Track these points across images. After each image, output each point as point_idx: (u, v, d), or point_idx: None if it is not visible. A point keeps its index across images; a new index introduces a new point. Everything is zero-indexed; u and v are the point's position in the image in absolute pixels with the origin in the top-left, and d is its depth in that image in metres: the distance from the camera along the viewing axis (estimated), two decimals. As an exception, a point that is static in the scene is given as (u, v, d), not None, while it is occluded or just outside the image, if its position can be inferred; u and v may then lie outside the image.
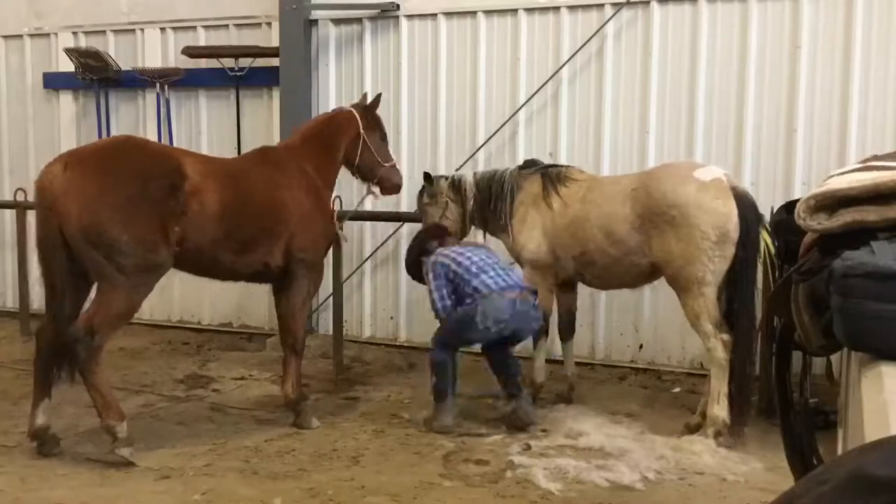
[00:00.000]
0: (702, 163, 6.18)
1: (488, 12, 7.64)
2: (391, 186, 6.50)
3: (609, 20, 7.20)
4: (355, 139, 6.22)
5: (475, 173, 6.51)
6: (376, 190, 6.54)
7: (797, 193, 6.42)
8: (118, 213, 4.88)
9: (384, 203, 8.08)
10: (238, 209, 5.39)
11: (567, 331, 6.36)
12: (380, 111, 8.03)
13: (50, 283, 5.03)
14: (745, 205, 5.29)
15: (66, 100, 9.36)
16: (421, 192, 6.62)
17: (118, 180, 4.95)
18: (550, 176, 6.03)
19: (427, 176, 6.51)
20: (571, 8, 7.38)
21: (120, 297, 4.97)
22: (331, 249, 7.01)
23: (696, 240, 5.26)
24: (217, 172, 5.43)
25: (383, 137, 6.52)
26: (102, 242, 4.86)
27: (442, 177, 6.59)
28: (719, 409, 5.27)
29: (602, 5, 7.26)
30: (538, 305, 5.80)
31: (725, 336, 5.30)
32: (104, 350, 5.09)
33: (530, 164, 6.28)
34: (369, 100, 6.57)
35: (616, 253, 5.62)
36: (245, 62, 8.42)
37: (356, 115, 6.28)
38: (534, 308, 5.72)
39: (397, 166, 6.68)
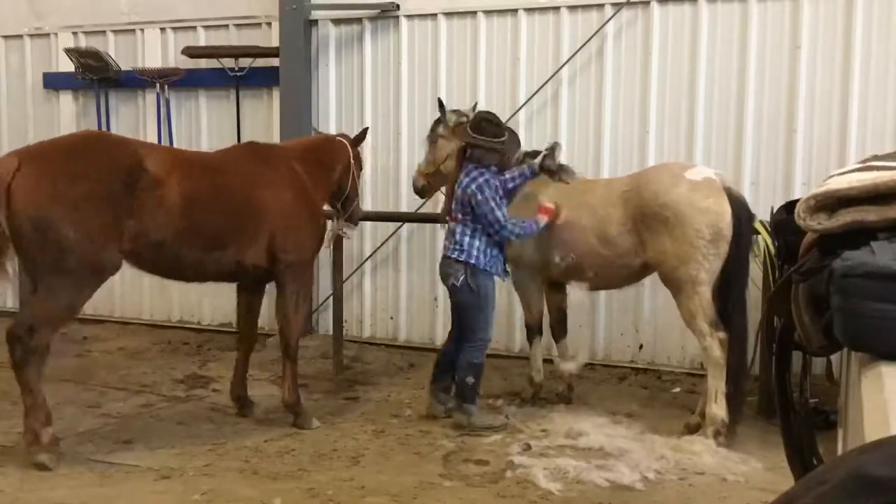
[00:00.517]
0: (692, 163, 6.18)
1: (488, 12, 7.64)
2: (356, 220, 6.48)
3: (609, 20, 7.20)
4: (347, 167, 6.19)
5: None
6: (345, 226, 6.48)
7: (797, 193, 6.42)
8: (71, 211, 4.76)
9: (384, 203, 8.10)
10: (205, 204, 5.23)
11: (559, 330, 6.34)
12: (380, 111, 8.11)
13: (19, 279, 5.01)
14: (738, 204, 5.34)
15: (66, 100, 9.36)
16: (437, 122, 6.38)
17: (73, 176, 4.82)
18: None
19: (441, 104, 6.28)
20: (571, 8, 7.38)
21: (60, 297, 4.85)
22: (331, 249, 7.02)
23: (690, 239, 5.28)
24: (184, 165, 5.27)
25: (360, 170, 6.54)
26: (49, 239, 4.73)
27: (455, 112, 6.30)
28: (717, 409, 5.28)
29: (602, 5, 7.27)
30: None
31: (721, 335, 5.32)
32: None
33: (533, 156, 6.24)
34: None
35: (608, 255, 5.63)
36: (245, 62, 8.42)
37: (347, 145, 6.26)
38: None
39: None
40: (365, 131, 6.63)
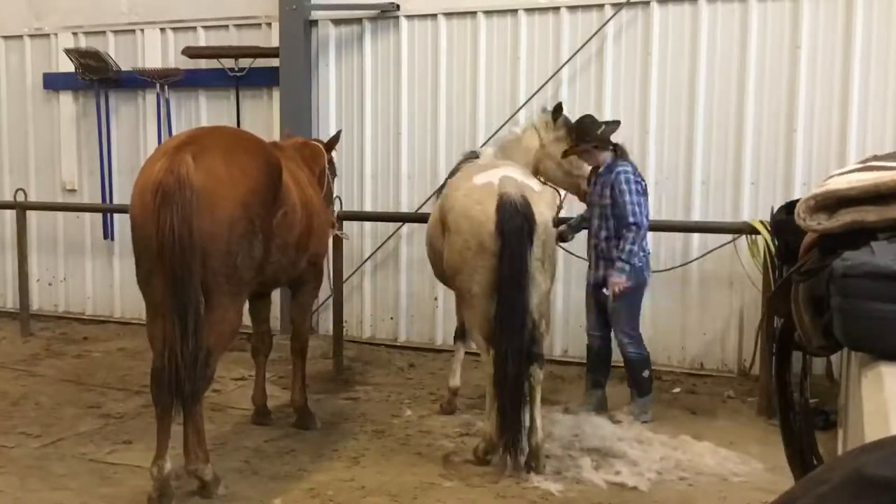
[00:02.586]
0: (506, 164, 5.45)
1: (488, 12, 7.64)
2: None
3: (609, 20, 7.20)
4: (322, 172, 6.11)
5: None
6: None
7: (797, 193, 6.42)
8: (263, 209, 4.39)
9: (384, 203, 8.10)
10: (301, 207, 5.05)
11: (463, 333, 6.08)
12: (380, 111, 8.11)
13: (177, 302, 4.08)
14: (508, 214, 4.70)
15: (66, 100, 9.36)
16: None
17: (254, 170, 4.43)
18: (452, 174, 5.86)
19: (558, 107, 6.00)
20: (571, 8, 7.38)
21: (234, 313, 4.42)
22: (331, 249, 7.03)
23: (459, 248, 4.90)
24: (287, 167, 4.95)
25: (334, 175, 6.46)
26: (243, 238, 4.28)
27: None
28: (488, 424, 4.94)
29: (602, 5, 7.26)
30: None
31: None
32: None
33: (470, 156, 6.03)
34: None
35: (437, 259, 5.41)
36: (245, 62, 8.42)
37: (322, 149, 6.20)
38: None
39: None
40: (338, 135, 6.63)
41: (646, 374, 5.88)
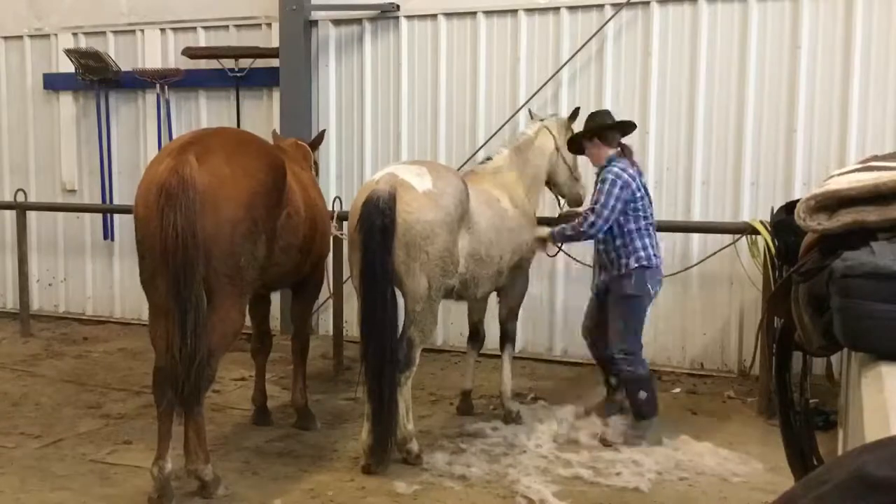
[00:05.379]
0: (424, 162, 5.71)
1: (488, 12, 7.65)
2: None
3: (609, 20, 7.20)
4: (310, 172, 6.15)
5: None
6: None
7: (797, 193, 6.42)
8: (266, 210, 4.41)
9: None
10: (305, 209, 5.08)
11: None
12: (380, 111, 8.12)
13: (179, 302, 4.08)
14: (367, 210, 4.68)
15: (66, 100, 9.36)
16: None
17: (257, 171, 4.44)
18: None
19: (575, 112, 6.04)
20: (571, 8, 7.38)
21: (237, 313, 4.41)
22: (331, 249, 7.03)
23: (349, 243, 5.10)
24: (289, 168, 5.00)
25: (316, 174, 6.49)
26: (246, 239, 4.29)
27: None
28: (363, 432, 4.88)
29: (602, 5, 7.27)
30: None
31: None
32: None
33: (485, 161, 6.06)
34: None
35: None
36: (245, 63, 8.42)
37: (309, 150, 6.23)
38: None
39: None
40: (322, 134, 6.66)
41: (642, 395, 5.31)
